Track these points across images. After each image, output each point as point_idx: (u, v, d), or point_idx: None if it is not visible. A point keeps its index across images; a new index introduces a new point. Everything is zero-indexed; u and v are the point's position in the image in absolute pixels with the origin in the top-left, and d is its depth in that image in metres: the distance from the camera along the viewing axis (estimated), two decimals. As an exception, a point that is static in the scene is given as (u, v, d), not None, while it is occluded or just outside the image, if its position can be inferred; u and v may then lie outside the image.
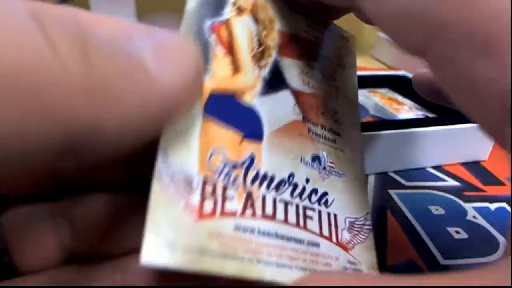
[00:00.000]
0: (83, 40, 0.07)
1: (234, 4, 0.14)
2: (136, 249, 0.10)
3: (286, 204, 0.12)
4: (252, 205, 0.11)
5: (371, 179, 0.25)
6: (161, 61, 0.08)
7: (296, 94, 0.15)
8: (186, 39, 0.10)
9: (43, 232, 0.12)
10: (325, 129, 0.15)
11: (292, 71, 0.15)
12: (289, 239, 0.12)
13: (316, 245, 0.12)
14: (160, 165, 0.10)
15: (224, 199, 0.11)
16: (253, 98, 0.13)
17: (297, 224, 0.12)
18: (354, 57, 0.17)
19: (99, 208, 0.12)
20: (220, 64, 0.13)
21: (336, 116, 0.15)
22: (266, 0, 0.15)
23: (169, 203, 0.10)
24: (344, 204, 0.14)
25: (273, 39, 0.15)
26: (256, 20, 0.15)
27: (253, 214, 0.11)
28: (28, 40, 0.06)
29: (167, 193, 0.10)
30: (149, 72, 0.08)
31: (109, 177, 0.12)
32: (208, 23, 0.13)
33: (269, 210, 0.12)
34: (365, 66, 0.47)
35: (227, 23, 0.14)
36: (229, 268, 0.10)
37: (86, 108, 0.07)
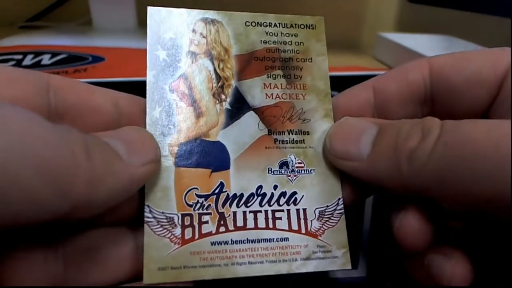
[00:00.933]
0: (86, 141, 0.11)
1: (188, 52, 0.16)
2: (125, 277, 0.14)
3: (255, 213, 0.15)
4: (225, 223, 0.14)
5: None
6: (130, 153, 0.13)
7: (260, 111, 0.16)
8: (147, 134, 0.14)
9: (35, 264, 0.13)
10: (292, 133, 0.16)
11: (254, 90, 0.16)
12: (259, 241, 0.14)
13: (285, 239, 0.15)
14: (147, 215, 0.14)
15: (200, 224, 0.14)
16: (217, 134, 0.15)
17: (267, 227, 0.14)
18: (323, 41, 0.18)
19: (93, 240, 0.14)
20: (184, 117, 0.15)
21: (304, 115, 0.16)
22: (216, 32, 0.16)
23: (158, 240, 0.14)
24: (314, 197, 0.15)
25: (231, 67, 0.16)
26: (212, 56, 0.16)
27: (226, 229, 0.14)
28: (56, 147, 0.10)
29: (156, 233, 0.14)
30: (123, 161, 0.12)
31: (98, 218, 0.14)
32: (168, 84, 0.15)
33: (240, 222, 0.14)
34: (365, 66, 0.47)
35: (184, 76, 0.16)
36: (208, 274, 0.13)
37: (84, 187, 0.11)
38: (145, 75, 0.16)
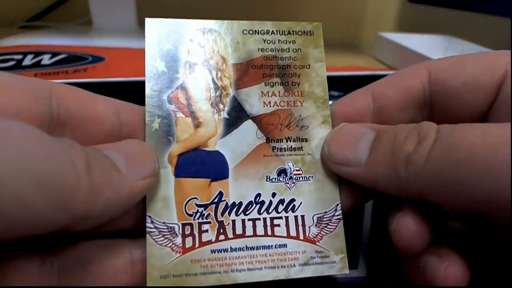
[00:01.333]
0: (87, 154, 0.12)
1: (186, 63, 0.16)
2: None
3: (254, 221, 0.15)
4: (224, 231, 0.15)
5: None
6: (130, 166, 0.13)
7: (258, 119, 0.16)
8: (147, 148, 0.15)
9: (30, 274, 0.13)
10: (290, 141, 0.16)
11: (252, 98, 0.16)
12: (258, 248, 0.15)
13: (284, 246, 0.15)
14: (149, 225, 0.14)
15: (200, 233, 0.14)
16: (216, 143, 0.16)
17: (265, 234, 0.15)
18: (321, 47, 0.18)
19: (88, 252, 0.14)
20: (183, 127, 0.15)
21: (302, 122, 0.17)
22: (214, 42, 0.16)
23: (160, 249, 0.14)
24: (312, 204, 0.16)
25: (228, 77, 0.16)
26: (210, 66, 0.16)
27: (226, 238, 0.14)
28: (56, 162, 0.10)
29: (158, 242, 0.14)
30: (122, 174, 0.13)
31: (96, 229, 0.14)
32: (166, 96, 0.16)
33: (239, 230, 0.15)
34: (365, 66, 0.47)
35: (182, 87, 0.16)
36: (209, 281, 0.14)
37: (84, 201, 0.11)
38: (144, 75, 0.16)
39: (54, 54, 0.37)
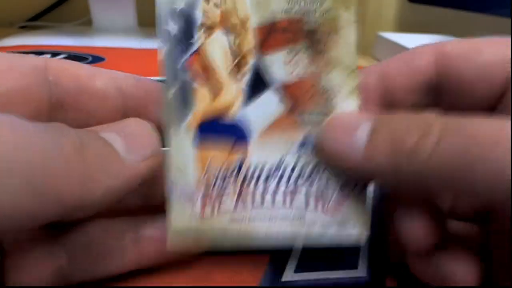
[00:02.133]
0: (80, 139, 0.11)
1: (202, 25, 0.15)
2: (128, 268, 0.14)
3: (274, 192, 0.15)
4: (243, 201, 0.14)
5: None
6: (129, 148, 0.12)
7: (282, 88, 0.15)
8: (147, 127, 0.13)
9: (40, 256, 0.13)
10: (313, 114, 0.15)
11: (275, 66, 0.15)
12: (275, 218, 0.15)
13: (302, 218, 0.15)
14: (169, 191, 0.14)
15: (220, 203, 0.14)
16: (237, 111, 0.15)
17: (284, 205, 0.15)
18: (353, 8, 0.16)
19: (94, 234, 0.14)
20: (201, 96, 0.14)
21: (327, 94, 0.15)
22: (232, 1, 0.15)
23: (180, 214, 0.14)
24: (334, 177, 0.15)
25: (248, 42, 0.15)
26: (228, 30, 0.15)
27: (244, 208, 0.14)
28: (44, 152, 0.09)
29: (179, 201, 0.14)
30: (120, 158, 0.12)
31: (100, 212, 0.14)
32: (181, 62, 0.14)
33: (258, 201, 0.14)
34: (365, 66, 0.47)
35: (199, 52, 0.15)
36: (226, 245, 0.14)
37: (78, 190, 0.10)
38: (145, 74, 0.16)
39: (54, 54, 0.37)
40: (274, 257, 0.17)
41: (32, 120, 0.10)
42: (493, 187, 0.10)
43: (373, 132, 0.13)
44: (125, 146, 0.12)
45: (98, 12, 0.47)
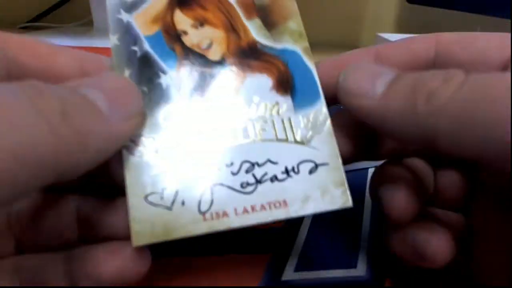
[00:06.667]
0: (61, 99, 0.10)
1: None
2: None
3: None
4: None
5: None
6: (112, 106, 0.11)
7: None
8: (129, 83, 0.13)
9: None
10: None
11: None
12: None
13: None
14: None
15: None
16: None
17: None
18: None
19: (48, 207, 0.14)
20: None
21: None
22: None
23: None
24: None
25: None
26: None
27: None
28: (25, 118, 0.09)
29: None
30: (104, 117, 0.11)
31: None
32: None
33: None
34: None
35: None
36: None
37: (66, 155, 0.10)
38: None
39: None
40: (274, 256, 0.17)
41: None
42: (499, 133, 0.10)
43: (396, 79, 0.13)
44: (109, 102, 0.11)
45: (99, 13, 0.47)
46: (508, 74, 0.11)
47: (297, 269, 0.17)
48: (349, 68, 0.14)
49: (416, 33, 0.55)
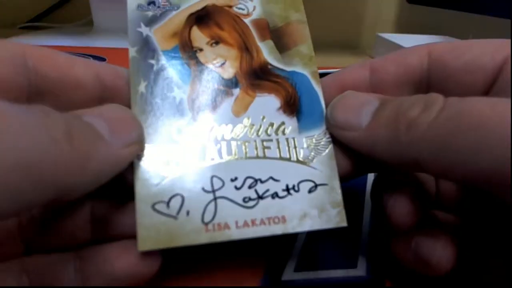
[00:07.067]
0: (67, 123, 0.10)
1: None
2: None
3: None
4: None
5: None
6: (114, 133, 0.12)
7: None
8: (130, 113, 0.14)
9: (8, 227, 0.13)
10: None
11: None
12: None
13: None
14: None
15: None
16: None
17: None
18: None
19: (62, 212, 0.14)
20: None
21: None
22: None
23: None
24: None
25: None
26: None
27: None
28: (34, 136, 0.09)
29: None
30: (106, 143, 0.12)
31: None
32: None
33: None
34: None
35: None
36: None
37: (67, 175, 0.10)
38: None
39: (55, 55, 0.37)
40: (274, 256, 0.17)
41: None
42: (496, 153, 0.10)
43: (379, 108, 0.14)
44: (110, 130, 0.12)
45: (99, 13, 0.47)
46: (485, 98, 0.11)
47: (297, 269, 0.17)
48: (336, 101, 0.15)
49: (416, 33, 0.55)
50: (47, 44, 0.42)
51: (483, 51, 0.14)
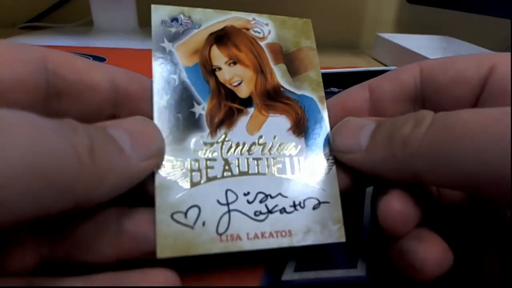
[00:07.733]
0: (90, 137, 0.11)
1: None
2: (108, 261, 0.14)
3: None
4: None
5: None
6: (134, 146, 0.13)
7: None
8: (153, 127, 0.15)
9: (23, 247, 0.13)
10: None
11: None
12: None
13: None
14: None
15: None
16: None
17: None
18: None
19: (76, 224, 0.14)
20: None
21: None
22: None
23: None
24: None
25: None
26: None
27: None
28: (59, 152, 0.10)
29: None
30: (126, 156, 0.12)
31: None
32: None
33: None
34: (364, 66, 0.48)
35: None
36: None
37: (88, 187, 0.11)
38: (146, 74, 0.16)
39: (55, 55, 0.37)
40: (274, 256, 0.17)
41: (30, 108, 0.11)
42: (478, 161, 0.11)
43: (375, 130, 0.15)
44: (130, 143, 0.13)
45: (99, 13, 0.47)
46: (470, 110, 0.12)
47: (297, 269, 0.17)
48: (337, 127, 0.17)
49: (416, 33, 0.56)
50: (47, 44, 0.42)
51: (467, 65, 0.16)
